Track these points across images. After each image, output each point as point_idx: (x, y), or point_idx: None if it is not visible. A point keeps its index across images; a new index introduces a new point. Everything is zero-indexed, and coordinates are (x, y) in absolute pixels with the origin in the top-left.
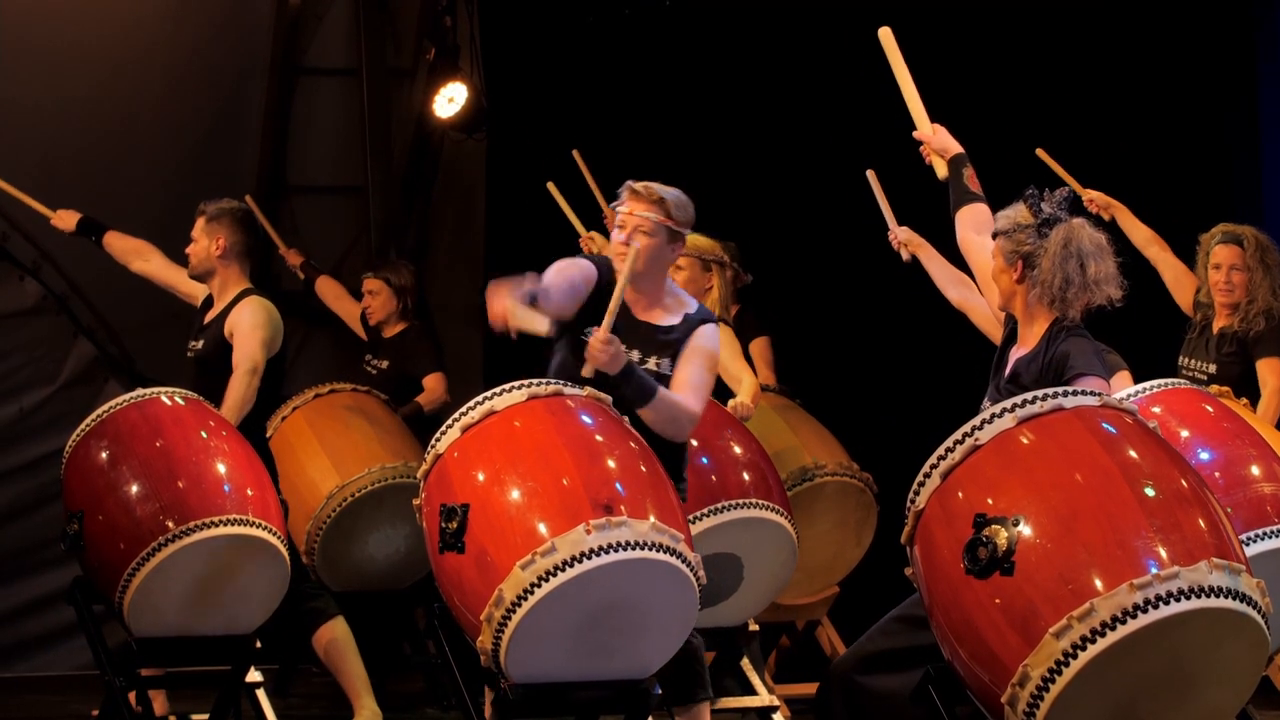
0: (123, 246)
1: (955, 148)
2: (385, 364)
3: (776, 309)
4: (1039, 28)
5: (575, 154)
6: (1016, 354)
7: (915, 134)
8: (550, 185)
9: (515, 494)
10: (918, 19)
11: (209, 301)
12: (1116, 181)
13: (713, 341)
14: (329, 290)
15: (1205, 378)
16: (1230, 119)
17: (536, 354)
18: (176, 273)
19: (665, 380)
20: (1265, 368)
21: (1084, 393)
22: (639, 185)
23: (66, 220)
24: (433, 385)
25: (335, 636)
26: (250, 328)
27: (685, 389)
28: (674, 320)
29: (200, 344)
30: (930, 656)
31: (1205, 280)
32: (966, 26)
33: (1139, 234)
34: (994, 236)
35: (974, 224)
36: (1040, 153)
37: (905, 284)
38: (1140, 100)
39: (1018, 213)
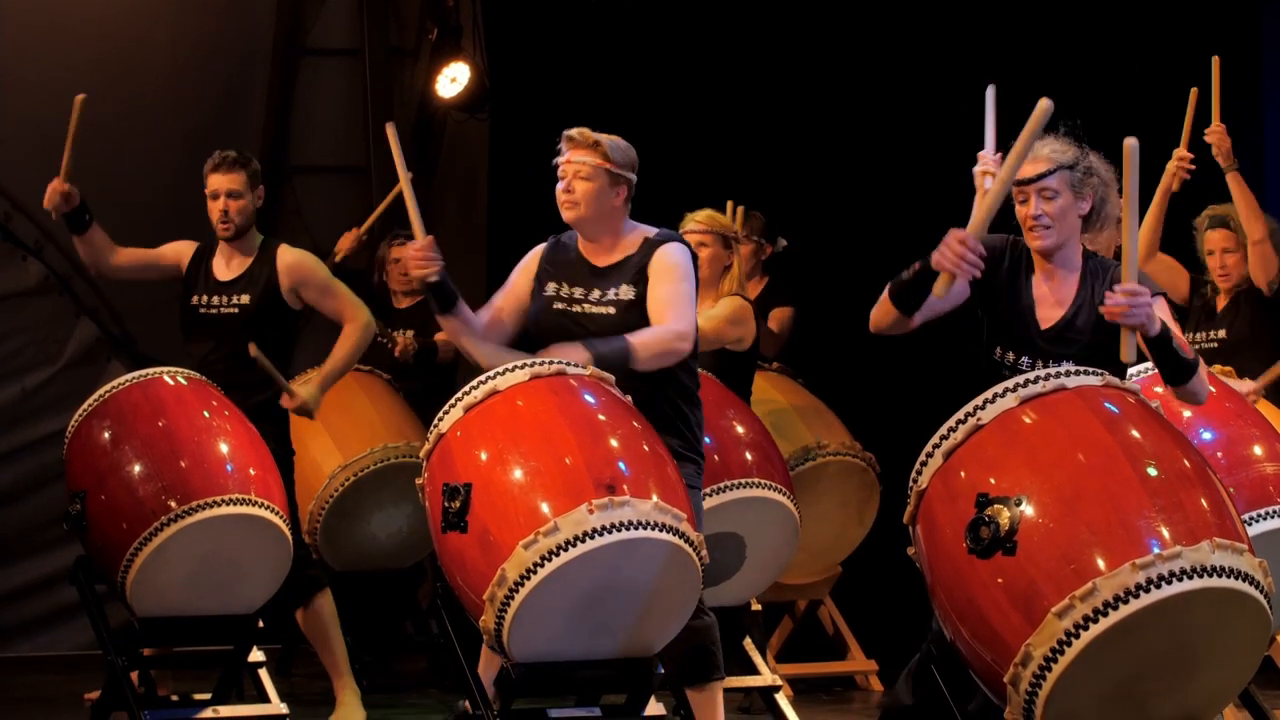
0: (102, 243)
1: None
2: (411, 333)
3: (805, 285)
4: (1042, 12)
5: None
6: (1053, 296)
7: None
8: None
9: (518, 473)
10: (919, 14)
11: (207, 253)
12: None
13: (675, 256)
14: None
15: (1215, 344)
16: (1236, 106)
17: None
18: (145, 253)
19: (629, 306)
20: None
21: (1086, 372)
22: (574, 131)
23: (70, 198)
24: (447, 338)
25: (325, 608)
26: (326, 279)
27: (660, 308)
28: (631, 252)
29: (246, 298)
30: None
31: (1206, 263)
32: (965, 25)
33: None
34: (1049, 174)
35: None
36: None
37: (911, 264)
38: (1142, 83)
39: (1063, 145)
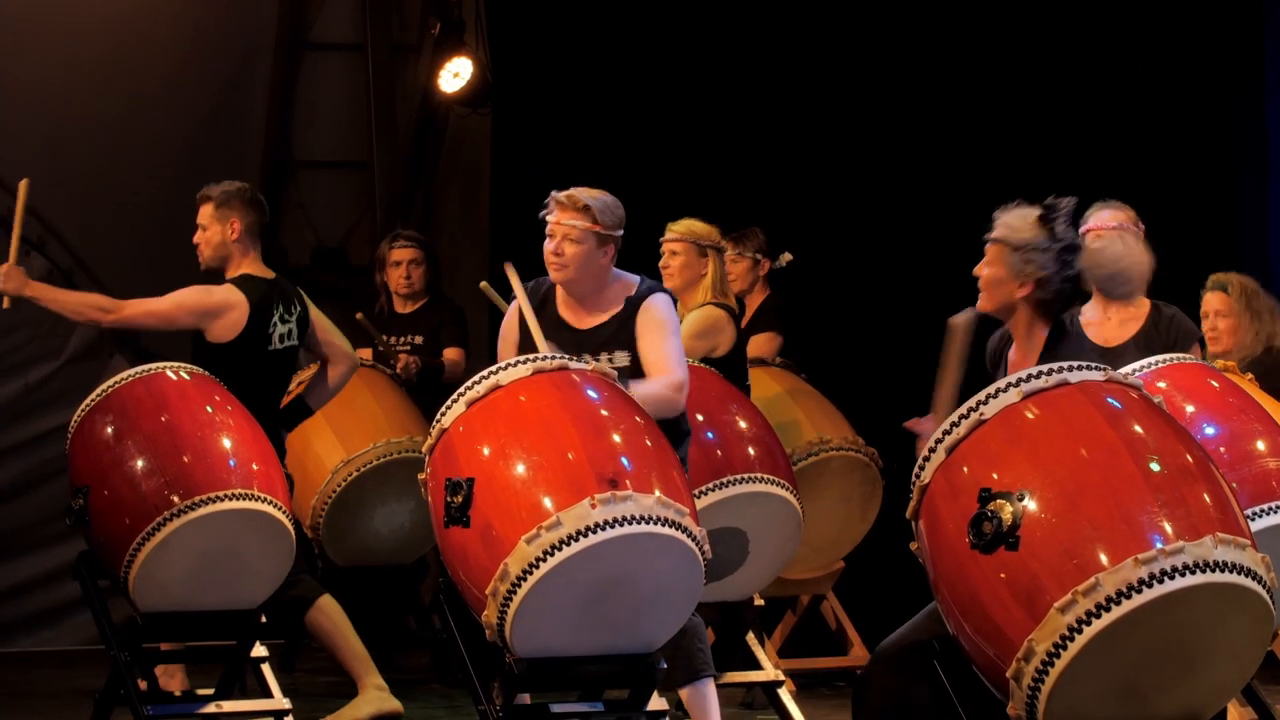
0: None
1: None
2: (420, 339)
3: (801, 307)
4: (1042, 13)
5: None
6: (1019, 362)
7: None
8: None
9: (520, 468)
10: (920, 11)
11: None
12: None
13: (662, 311)
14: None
15: None
16: (1238, 105)
17: None
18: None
19: (623, 372)
20: None
21: (1089, 367)
22: (562, 195)
23: None
24: (457, 358)
25: (321, 619)
26: (174, 296)
27: (658, 361)
28: (616, 310)
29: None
30: None
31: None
32: (967, 22)
33: None
34: (986, 241)
35: None
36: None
37: (913, 260)
38: (1143, 82)
39: (1026, 225)
